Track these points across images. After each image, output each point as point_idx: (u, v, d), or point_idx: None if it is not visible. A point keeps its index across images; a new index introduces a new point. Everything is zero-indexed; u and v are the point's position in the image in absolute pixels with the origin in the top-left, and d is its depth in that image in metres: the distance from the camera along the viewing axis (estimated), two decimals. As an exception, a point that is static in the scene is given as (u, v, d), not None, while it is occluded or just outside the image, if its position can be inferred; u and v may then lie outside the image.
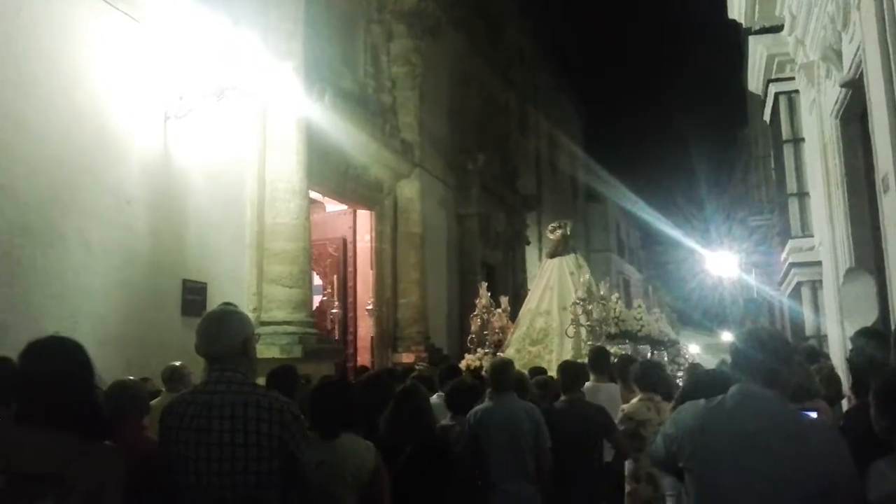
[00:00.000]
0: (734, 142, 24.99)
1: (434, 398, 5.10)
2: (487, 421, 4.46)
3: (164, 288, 7.72)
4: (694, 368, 3.26)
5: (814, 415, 2.70)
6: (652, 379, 4.82)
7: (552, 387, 5.48)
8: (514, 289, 18.29)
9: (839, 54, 5.74)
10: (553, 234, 11.31)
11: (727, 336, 35.67)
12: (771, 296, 18.04)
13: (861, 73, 5.16)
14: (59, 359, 2.21)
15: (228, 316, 2.65)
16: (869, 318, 5.95)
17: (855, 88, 5.62)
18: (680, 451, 2.45)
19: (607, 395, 5.49)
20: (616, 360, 6.40)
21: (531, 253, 20.65)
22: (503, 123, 19.61)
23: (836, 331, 6.99)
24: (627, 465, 4.98)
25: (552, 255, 11.20)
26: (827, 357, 6.83)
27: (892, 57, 3.99)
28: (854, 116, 6.11)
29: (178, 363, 5.67)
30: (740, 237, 22.23)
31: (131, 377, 3.86)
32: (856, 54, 5.21)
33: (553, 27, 25.09)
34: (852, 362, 3.69)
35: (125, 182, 7.31)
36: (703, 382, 3.04)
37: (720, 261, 23.17)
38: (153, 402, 4.45)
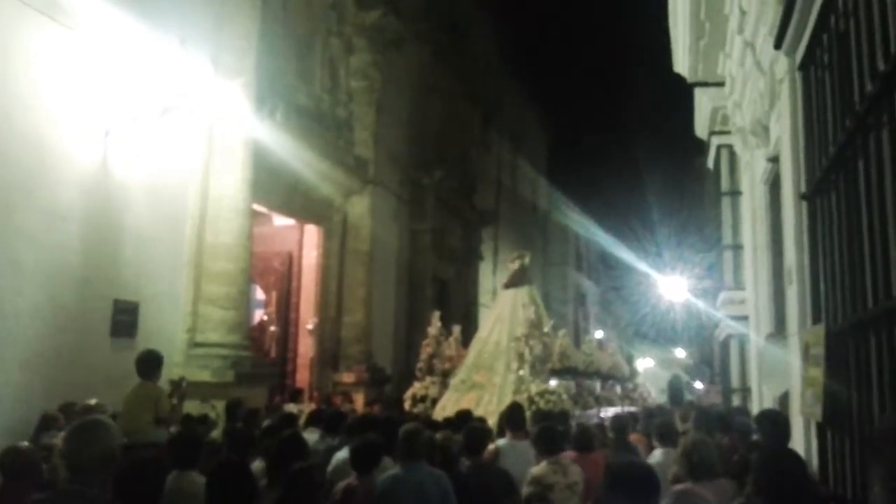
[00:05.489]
0: (690, 169, 25.29)
1: (342, 454, 5.11)
2: (395, 489, 4.46)
3: (94, 307, 7.59)
4: (612, 467, 3.16)
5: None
6: (546, 443, 4.91)
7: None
8: (465, 305, 18.36)
9: (766, 129, 5.84)
10: (512, 264, 11.42)
11: (679, 352, 37.29)
12: (718, 321, 18.33)
13: (785, 153, 5.26)
14: None
15: (96, 428, 2.64)
16: (783, 386, 6.07)
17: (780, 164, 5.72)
18: None
19: (519, 452, 5.53)
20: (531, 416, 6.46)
21: (485, 268, 20.72)
22: (465, 136, 19.59)
23: (757, 389, 7.14)
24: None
25: (508, 286, 11.27)
26: (746, 414, 6.97)
27: (802, 161, 4.04)
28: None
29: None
30: (692, 262, 22.48)
31: (25, 442, 3.79)
32: (780, 135, 5.29)
33: (521, 42, 25.18)
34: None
35: (61, 199, 7.18)
36: (623, 484, 2.90)
37: (671, 285, 23.45)
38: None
